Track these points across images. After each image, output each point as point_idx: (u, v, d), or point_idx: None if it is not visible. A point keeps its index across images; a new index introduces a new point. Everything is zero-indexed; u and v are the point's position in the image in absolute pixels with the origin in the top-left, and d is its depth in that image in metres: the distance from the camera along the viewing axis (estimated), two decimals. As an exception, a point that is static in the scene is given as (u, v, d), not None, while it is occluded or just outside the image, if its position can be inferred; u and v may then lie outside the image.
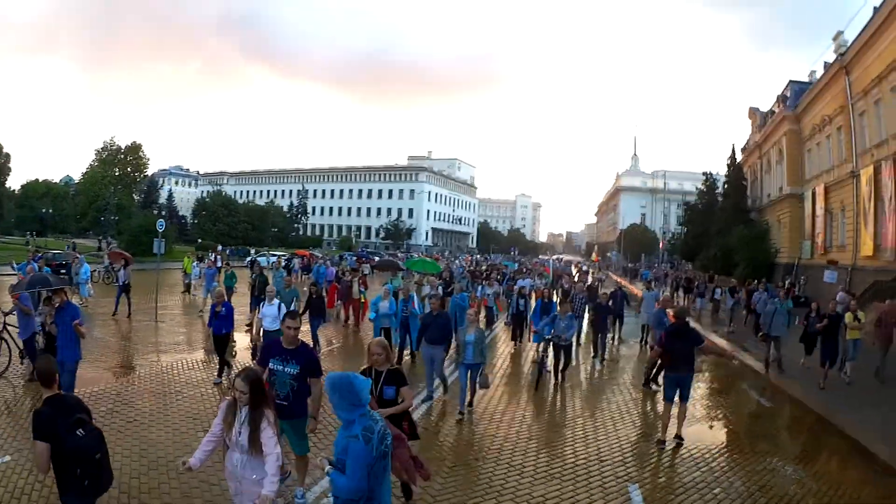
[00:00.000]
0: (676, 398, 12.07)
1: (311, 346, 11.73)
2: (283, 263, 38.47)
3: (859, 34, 36.56)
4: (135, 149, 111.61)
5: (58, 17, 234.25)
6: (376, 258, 65.79)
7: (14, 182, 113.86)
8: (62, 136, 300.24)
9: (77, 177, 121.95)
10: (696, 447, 11.83)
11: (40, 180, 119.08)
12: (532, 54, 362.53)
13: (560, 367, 16.51)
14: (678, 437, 12.12)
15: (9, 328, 15.15)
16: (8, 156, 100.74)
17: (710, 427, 13.82)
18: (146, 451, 9.96)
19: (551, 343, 16.54)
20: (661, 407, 13.16)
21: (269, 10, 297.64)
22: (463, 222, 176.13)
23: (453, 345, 15.24)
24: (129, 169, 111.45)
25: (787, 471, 10.89)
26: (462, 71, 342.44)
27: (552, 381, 16.63)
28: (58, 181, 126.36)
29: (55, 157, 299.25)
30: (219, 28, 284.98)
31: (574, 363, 18.43)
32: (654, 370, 16.70)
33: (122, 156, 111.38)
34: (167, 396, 13.51)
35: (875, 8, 33.88)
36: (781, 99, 54.40)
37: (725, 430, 13.88)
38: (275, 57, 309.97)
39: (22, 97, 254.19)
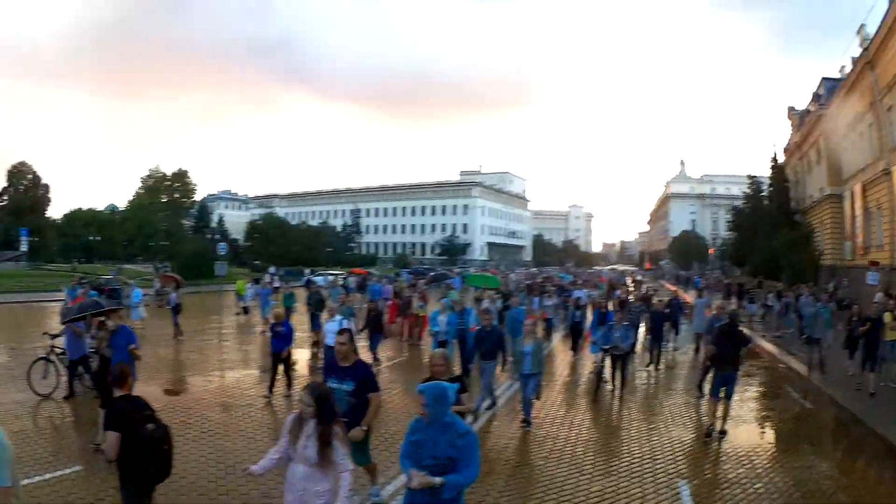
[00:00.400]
0: (721, 395, 12.80)
1: (370, 362, 12.42)
2: (339, 282, 39.27)
3: (878, 28, 35.66)
4: (181, 175, 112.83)
5: (90, 48, 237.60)
6: (430, 274, 65.89)
7: (56, 212, 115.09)
8: (105, 166, 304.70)
9: (121, 205, 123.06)
10: (740, 445, 12.35)
11: (84, 209, 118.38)
12: (575, 64, 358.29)
13: (617, 376, 16.87)
14: (722, 431, 12.84)
15: (55, 350, 15.55)
16: (47, 186, 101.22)
17: (754, 427, 14.33)
18: (223, 457, 10.71)
19: (608, 353, 16.91)
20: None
21: (303, 33, 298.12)
22: (517, 236, 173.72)
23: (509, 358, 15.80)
24: (176, 195, 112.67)
25: (822, 468, 11.33)
26: (506, 83, 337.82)
27: (609, 388, 17.08)
28: (102, 209, 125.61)
29: (99, 187, 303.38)
30: (252, 54, 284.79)
31: (631, 371, 18.76)
32: (703, 374, 17.00)
33: (168, 182, 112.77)
34: (239, 409, 14.28)
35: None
36: (815, 97, 53.36)
37: (768, 430, 14.43)
38: (314, 79, 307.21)
39: (59, 129, 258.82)
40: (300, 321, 25.08)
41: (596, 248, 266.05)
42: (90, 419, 12.45)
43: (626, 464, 11.00)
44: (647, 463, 11.04)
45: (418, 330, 24.94)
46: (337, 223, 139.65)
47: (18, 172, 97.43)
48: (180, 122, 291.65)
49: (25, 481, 9.08)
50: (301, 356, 20.39)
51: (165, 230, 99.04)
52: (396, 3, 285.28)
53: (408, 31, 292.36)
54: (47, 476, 9.64)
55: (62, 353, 15.28)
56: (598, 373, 17.30)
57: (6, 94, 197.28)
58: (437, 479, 5.36)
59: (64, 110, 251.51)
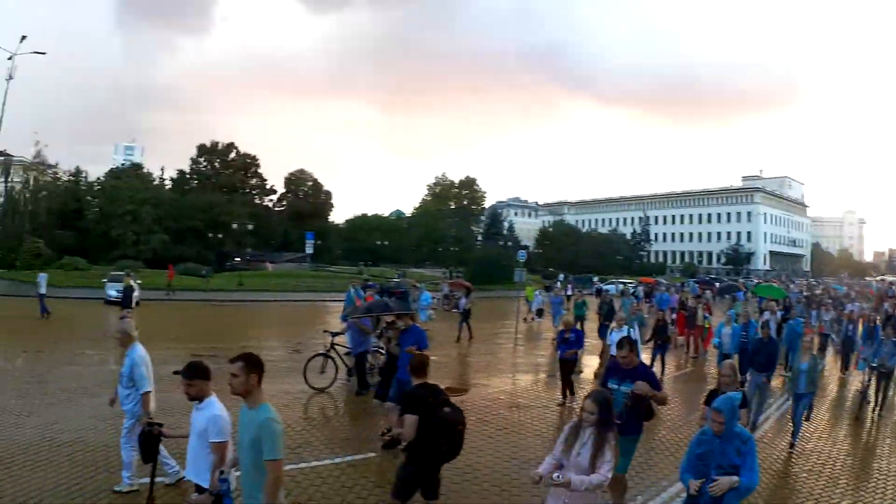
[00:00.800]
0: None
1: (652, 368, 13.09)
2: (629, 291, 39.77)
3: None
4: (469, 183, 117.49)
5: (374, 67, 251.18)
6: (717, 284, 65.05)
7: (339, 217, 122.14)
8: (390, 176, 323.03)
9: (407, 211, 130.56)
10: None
11: (369, 215, 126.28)
12: (839, 71, 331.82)
13: (880, 395, 16.38)
14: None
15: (336, 348, 16.55)
16: (329, 193, 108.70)
17: None
18: (517, 453, 11.53)
19: (875, 370, 16.39)
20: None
21: (574, 39, 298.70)
22: (797, 244, 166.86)
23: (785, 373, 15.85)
24: (465, 202, 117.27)
25: None
26: (773, 83, 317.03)
27: (871, 406, 16.57)
28: (387, 215, 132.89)
29: (384, 195, 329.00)
30: (526, 61, 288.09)
31: (893, 389, 17.89)
32: None
33: (456, 190, 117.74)
34: (533, 410, 15.19)
35: None
36: None
37: None
38: (592, 84, 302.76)
39: (347, 142, 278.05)
40: (591, 329, 25.84)
41: (867, 256, 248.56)
42: (368, 410, 14.33)
43: (874, 480, 11.36)
44: (891, 480, 11.38)
45: (703, 342, 24.57)
46: (626, 230, 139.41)
47: (297, 179, 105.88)
48: (465, 131, 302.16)
49: (314, 463, 10.58)
50: (589, 364, 21.01)
51: (455, 236, 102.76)
52: (666, 3, 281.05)
53: (682, 31, 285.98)
54: (337, 460, 10.78)
55: (347, 353, 16.60)
56: (864, 391, 16.79)
57: (298, 112, 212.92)
58: (734, 478, 5.79)
59: (352, 125, 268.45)
